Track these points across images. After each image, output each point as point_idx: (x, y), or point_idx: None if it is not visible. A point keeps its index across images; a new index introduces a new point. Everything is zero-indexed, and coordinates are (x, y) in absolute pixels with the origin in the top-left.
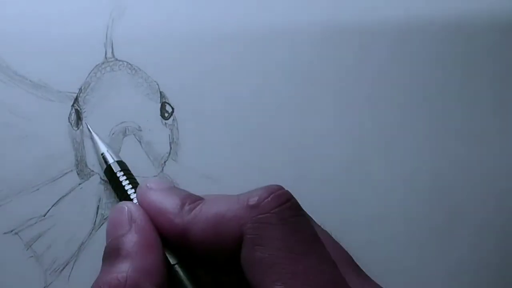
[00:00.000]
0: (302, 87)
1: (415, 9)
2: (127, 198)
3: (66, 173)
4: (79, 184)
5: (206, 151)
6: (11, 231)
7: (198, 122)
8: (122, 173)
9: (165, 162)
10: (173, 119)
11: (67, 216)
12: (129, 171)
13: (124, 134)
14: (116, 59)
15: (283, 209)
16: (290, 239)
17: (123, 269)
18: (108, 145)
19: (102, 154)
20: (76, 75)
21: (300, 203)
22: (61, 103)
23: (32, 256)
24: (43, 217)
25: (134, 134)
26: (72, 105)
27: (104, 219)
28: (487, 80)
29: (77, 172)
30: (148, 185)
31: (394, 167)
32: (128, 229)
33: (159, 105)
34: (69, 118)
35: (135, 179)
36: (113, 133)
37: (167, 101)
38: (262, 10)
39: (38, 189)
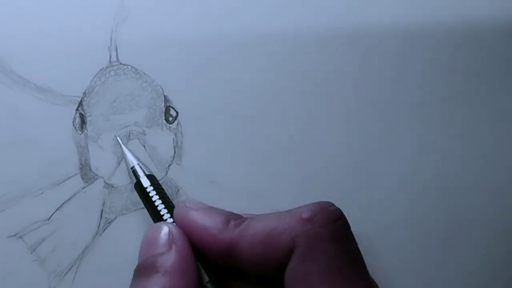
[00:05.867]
0: (307, 91)
1: (419, 14)
2: (158, 214)
3: (70, 177)
4: (83, 188)
5: (211, 155)
6: (15, 235)
7: (203, 126)
8: (152, 187)
9: (169, 166)
10: (178, 123)
11: (71, 220)
12: (160, 185)
13: (128, 138)
14: (121, 63)
15: (336, 227)
16: (340, 259)
17: (160, 285)
18: (138, 159)
19: (132, 168)
20: (80, 79)
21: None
22: (65, 107)
23: (35, 260)
24: (47, 221)
25: (138, 138)
26: (77, 109)
27: (108, 223)
28: (490, 82)
29: (81, 176)
30: (187, 205)
31: (398, 169)
32: (168, 249)
33: (164, 109)
34: (73, 122)
35: (165, 194)
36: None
37: (171, 105)
38: (266, 14)
39: (42, 193)
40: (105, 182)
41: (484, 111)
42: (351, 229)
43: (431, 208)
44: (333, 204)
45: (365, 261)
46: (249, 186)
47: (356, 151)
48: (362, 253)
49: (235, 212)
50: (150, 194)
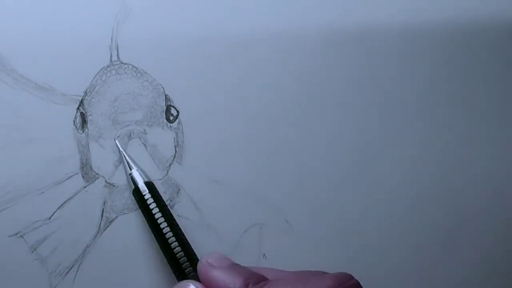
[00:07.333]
0: (308, 90)
1: (420, 14)
2: (154, 221)
3: (71, 176)
4: (84, 187)
5: (211, 155)
6: (16, 234)
7: (203, 126)
8: (149, 195)
9: (170, 165)
10: (178, 122)
11: (72, 219)
12: (157, 192)
13: (129, 137)
14: (122, 62)
15: None
16: None
17: None
18: (137, 164)
19: (130, 174)
20: (81, 78)
21: (306, 204)
22: (66, 106)
23: (37, 259)
24: (48, 220)
25: (139, 138)
26: (77, 108)
27: (109, 222)
28: (491, 82)
29: (82, 175)
30: (209, 261)
31: (400, 168)
32: None
33: (164, 108)
34: (74, 121)
35: (163, 201)
36: (118, 136)
37: (172, 104)
38: (268, 14)
39: (43, 192)
40: (106, 181)
41: (485, 110)
42: (353, 226)
43: (432, 207)
44: (352, 277)
45: (367, 260)
46: (250, 185)
47: (358, 150)
48: (363, 252)
49: (235, 211)
50: (148, 202)
